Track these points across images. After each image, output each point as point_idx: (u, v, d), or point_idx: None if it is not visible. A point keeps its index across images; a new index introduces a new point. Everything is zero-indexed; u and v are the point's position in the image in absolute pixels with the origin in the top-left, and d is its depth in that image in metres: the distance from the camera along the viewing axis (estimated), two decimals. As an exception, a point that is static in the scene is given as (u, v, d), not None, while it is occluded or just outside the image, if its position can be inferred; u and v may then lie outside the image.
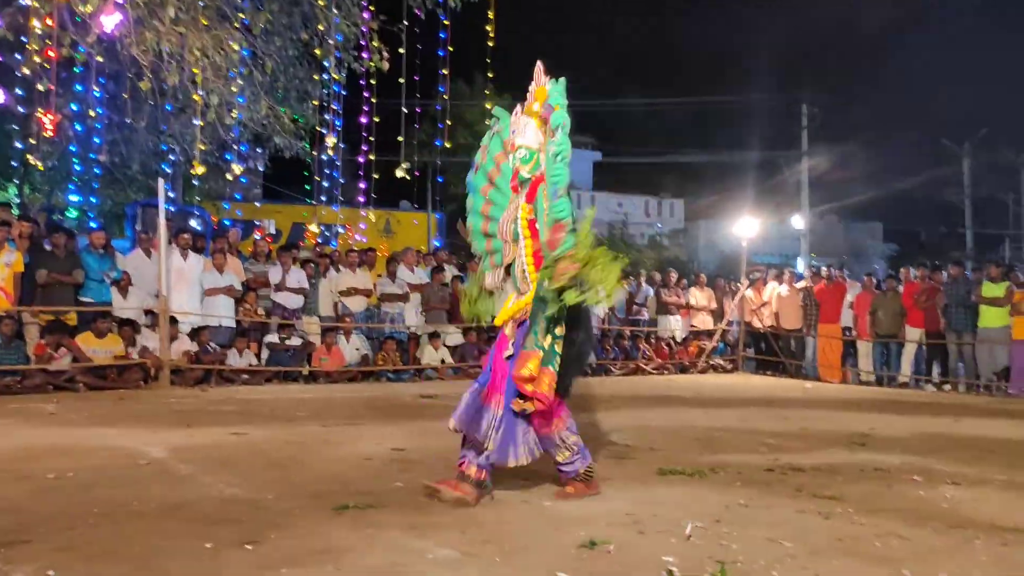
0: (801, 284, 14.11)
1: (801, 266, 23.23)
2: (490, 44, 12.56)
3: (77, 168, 12.01)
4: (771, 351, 14.09)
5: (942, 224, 33.72)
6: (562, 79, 4.12)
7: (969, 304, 11.73)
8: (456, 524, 3.56)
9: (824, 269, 14.55)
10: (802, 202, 26.78)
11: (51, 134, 9.12)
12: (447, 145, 13.61)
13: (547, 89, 4.12)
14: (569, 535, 3.41)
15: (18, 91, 9.62)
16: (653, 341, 13.94)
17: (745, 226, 15.60)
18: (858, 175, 27.64)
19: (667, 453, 5.60)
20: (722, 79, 38.41)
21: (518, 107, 4.29)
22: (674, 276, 14.79)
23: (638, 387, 11.12)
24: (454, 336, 12.06)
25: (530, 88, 4.26)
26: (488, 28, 12.36)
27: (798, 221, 27.12)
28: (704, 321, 14.52)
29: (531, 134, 4.14)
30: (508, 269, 4.25)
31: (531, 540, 3.36)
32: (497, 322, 4.25)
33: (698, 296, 14.59)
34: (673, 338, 14.19)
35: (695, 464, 5.08)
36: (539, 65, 4.28)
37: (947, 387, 11.97)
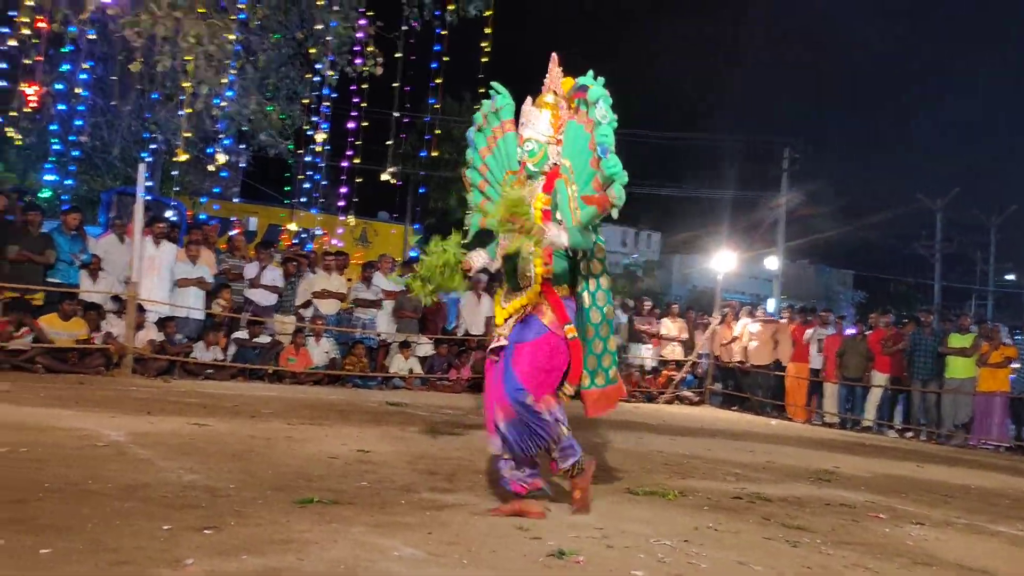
0: (782, 320, 14.19)
1: (772, 307, 23.44)
2: (484, 60, 12.62)
3: (56, 148, 11.82)
4: (738, 386, 14.15)
5: (911, 275, 34.34)
6: (592, 74, 4.09)
7: (935, 353, 11.88)
8: (423, 525, 3.49)
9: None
10: (778, 244, 27.08)
11: (35, 107, 8.94)
12: (434, 154, 13.59)
13: (576, 81, 4.11)
14: (537, 543, 3.35)
15: (2, 64, 9.45)
16: (623, 368, 13.93)
17: (722, 260, 15.71)
18: (833, 221, 28.08)
19: (635, 475, 5.56)
20: (706, 115, 38.97)
21: (528, 99, 4.20)
22: (647, 305, 14.83)
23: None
24: (424, 347, 11.96)
25: (546, 81, 4.24)
26: (484, 44, 12.44)
27: (772, 262, 27.40)
28: (674, 351, 14.54)
29: (542, 126, 4.06)
30: (505, 260, 4.06)
31: (498, 545, 3.29)
32: (498, 322, 4.10)
33: (670, 326, 14.62)
34: (642, 366, 14.20)
35: (663, 487, 5.04)
36: (554, 56, 4.28)
37: (909, 434, 12.09)
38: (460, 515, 3.76)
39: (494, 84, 4.53)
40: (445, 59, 11.87)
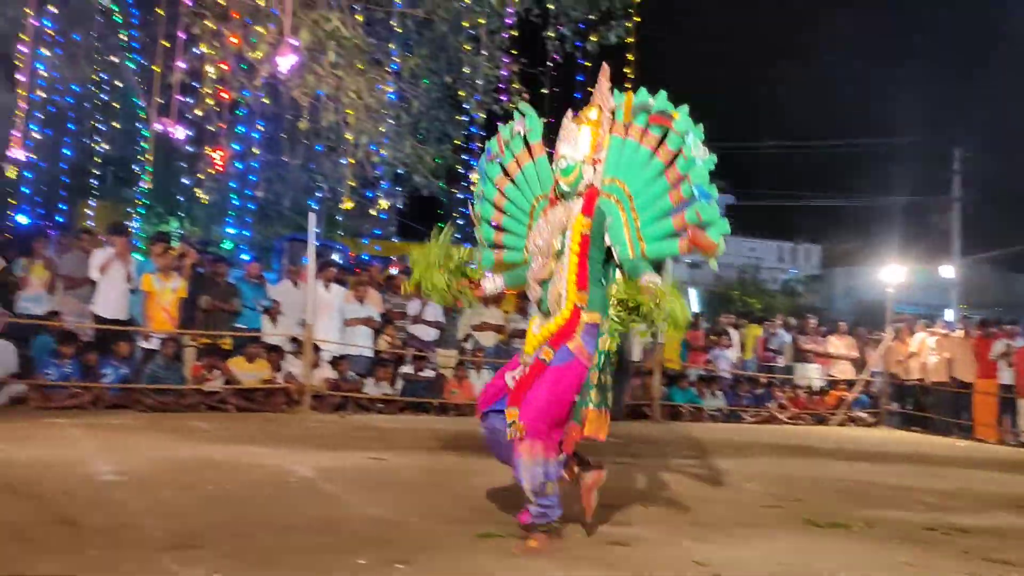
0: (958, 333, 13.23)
1: (950, 317, 21.83)
2: (627, 87, 12.65)
3: (235, 203, 12.91)
4: (918, 405, 13.24)
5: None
6: (644, 91, 3.90)
7: None
8: (601, 559, 3.52)
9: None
10: (952, 250, 25.26)
11: (220, 170, 9.82)
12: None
13: (635, 98, 3.90)
14: (719, 579, 3.30)
15: (189, 131, 10.43)
16: (788, 389, 13.40)
17: (891, 273, 14.84)
18: (1017, 223, 25.84)
19: (814, 504, 5.33)
20: (865, 120, 36.97)
21: (568, 112, 3.99)
22: (812, 322, 14.21)
23: (773, 435, 10.68)
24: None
25: (594, 94, 4.04)
26: (627, 70, 12.49)
27: (947, 270, 25.56)
28: (844, 370, 13.83)
29: (581, 144, 3.84)
30: (539, 286, 3.85)
31: (680, 580, 3.27)
32: (528, 350, 3.82)
33: (838, 344, 13.94)
34: (810, 387, 13.60)
35: (846, 517, 4.81)
36: (605, 69, 4.10)
37: (1123, 454, 10.87)
38: (639, 549, 3.76)
39: (522, 105, 4.34)
40: (590, 90, 11.97)
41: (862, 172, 33.56)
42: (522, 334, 11.56)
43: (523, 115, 4.25)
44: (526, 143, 4.22)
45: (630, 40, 12.29)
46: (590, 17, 12.27)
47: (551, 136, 4.08)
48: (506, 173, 4.26)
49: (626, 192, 3.85)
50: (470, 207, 4.45)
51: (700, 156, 3.72)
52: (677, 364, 12.56)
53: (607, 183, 3.90)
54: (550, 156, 4.07)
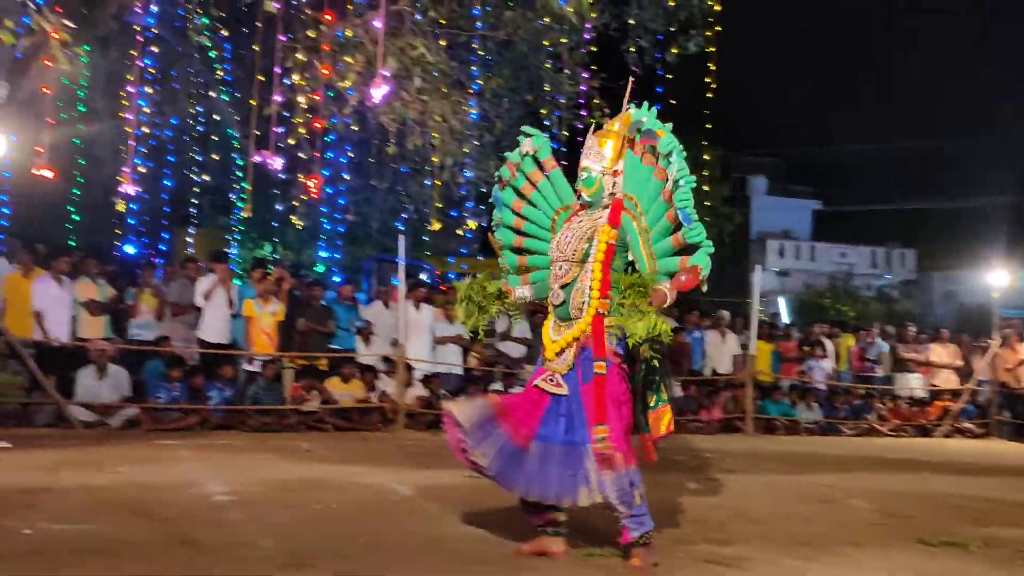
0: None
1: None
2: (709, 96, 12.54)
3: (326, 227, 13.34)
4: (1031, 415, 12.57)
5: None
6: (647, 106, 3.98)
7: None
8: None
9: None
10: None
11: (315, 197, 10.18)
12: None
13: (633, 114, 3.97)
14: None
15: (283, 160, 10.83)
16: (888, 400, 12.92)
17: (996, 276, 14.18)
18: None
19: (924, 522, 5.14)
20: (960, 118, 35.38)
21: (592, 127, 4.16)
22: (912, 331, 13.69)
23: (874, 449, 10.32)
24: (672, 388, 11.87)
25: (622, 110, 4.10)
26: (708, 80, 12.36)
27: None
28: (948, 380, 13.26)
29: (606, 155, 3.93)
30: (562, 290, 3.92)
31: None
32: (549, 355, 3.89)
33: (940, 352, 13.38)
34: (912, 397, 13.09)
35: (962, 536, 4.61)
36: (631, 83, 4.18)
37: None
38: (745, 570, 3.70)
39: (525, 128, 4.45)
40: (672, 102, 11.92)
41: (958, 172, 32.10)
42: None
43: (528, 136, 4.37)
44: (536, 162, 4.32)
45: (711, 49, 12.16)
46: (670, 29, 12.23)
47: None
48: (521, 195, 4.36)
49: (638, 208, 3.92)
50: (490, 237, 4.54)
51: (683, 178, 3.75)
52: (768, 376, 12.29)
53: (625, 198, 3.97)
54: (564, 169, 4.26)
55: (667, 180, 3.80)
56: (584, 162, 3.97)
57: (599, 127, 4.19)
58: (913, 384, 13.16)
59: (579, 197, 4.03)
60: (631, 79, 4.31)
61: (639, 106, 4.05)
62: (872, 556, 4.05)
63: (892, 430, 12.43)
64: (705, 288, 3.82)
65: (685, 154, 3.83)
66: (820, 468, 7.70)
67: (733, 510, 5.21)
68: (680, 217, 3.73)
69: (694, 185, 3.78)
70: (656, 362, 3.88)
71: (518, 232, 4.37)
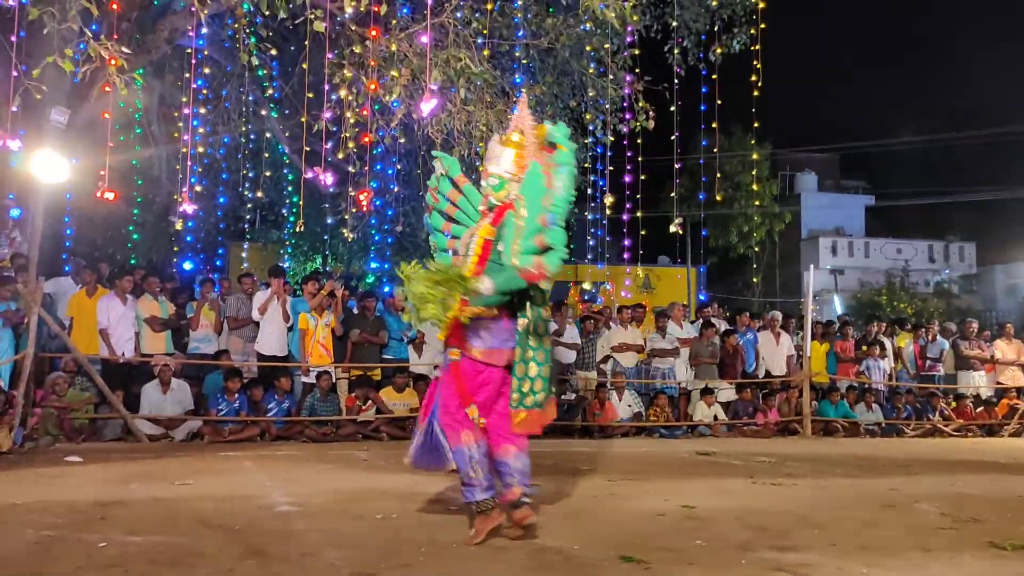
0: None
1: None
2: (755, 95, 12.39)
3: (375, 238, 13.50)
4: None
5: None
6: (562, 125, 4.27)
7: None
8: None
9: None
10: None
11: (365, 210, 10.33)
12: (718, 199, 13.50)
13: (548, 128, 4.25)
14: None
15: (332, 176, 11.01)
16: (952, 399, 12.60)
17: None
18: None
19: (996, 525, 5.00)
20: (1018, 104, 34.28)
21: (495, 136, 4.52)
22: (974, 327, 13.33)
23: (938, 450, 10.07)
24: (726, 392, 11.74)
25: (512, 119, 4.51)
26: (754, 78, 12.21)
27: None
28: (1014, 377, 12.88)
29: (505, 162, 4.28)
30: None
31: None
32: (441, 336, 4.30)
33: (1005, 349, 13.01)
34: (977, 396, 12.74)
35: (1036, 539, 4.48)
36: (523, 97, 4.56)
37: None
38: (809, 576, 3.65)
39: (435, 152, 4.89)
40: (718, 103, 11.82)
41: (1018, 160, 31.10)
42: (661, 353, 11.56)
43: (440, 159, 4.77)
44: (451, 182, 4.68)
45: (756, 47, 12.02)
46: (713, 28, 12.13)
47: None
48: (448, 217, 4.70)
49: (523, 208, 4.14)
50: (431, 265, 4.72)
51: (562, 187, 4.00)
52: (824, 377, 12.08)
53: (515, 199, 4.22)
54: (474, 183, 4.62)
55: (552, 188, 4.06)
56: (492, 168, 4.33)
57: (506, 136, 4.43)
58: (978, 382, 12.82)
59: (486, 201, 4.39)
60: (523, 94, 4.81)
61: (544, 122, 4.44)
62: (941, 561, 3.96)
63: (957, 430, 12.12)
64: (546, 285, 4.19)
65: (576, 172, 4.21)
66: (883, 471, 7.54)
67: (795, 516, 5.13)
68: (548, 220, 4.00)
69: (571, 200, 4.06)
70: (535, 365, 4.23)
71: (454, 252, 4.63)
